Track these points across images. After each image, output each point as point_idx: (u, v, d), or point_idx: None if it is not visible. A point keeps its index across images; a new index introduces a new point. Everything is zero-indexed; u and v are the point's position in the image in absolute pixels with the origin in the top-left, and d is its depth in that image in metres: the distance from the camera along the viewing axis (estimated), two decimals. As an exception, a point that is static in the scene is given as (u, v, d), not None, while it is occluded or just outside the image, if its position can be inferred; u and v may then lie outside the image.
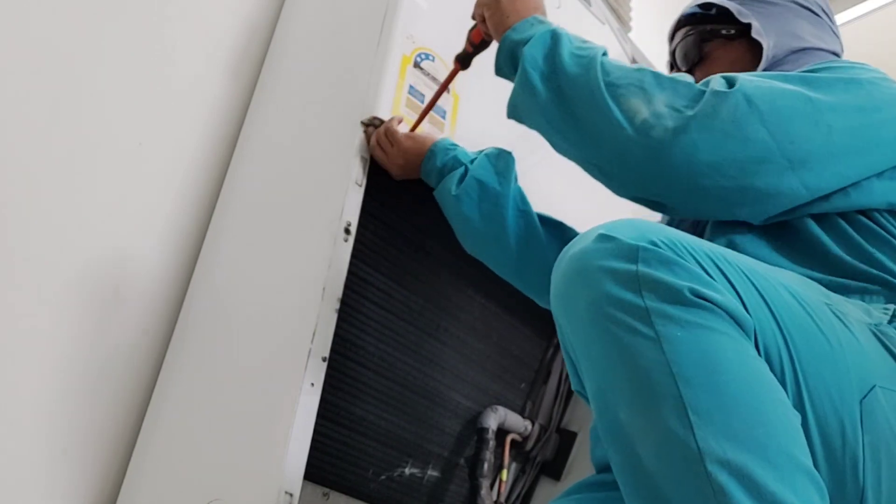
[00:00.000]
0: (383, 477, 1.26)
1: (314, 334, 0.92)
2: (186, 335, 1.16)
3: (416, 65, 1.14)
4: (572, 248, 0.69)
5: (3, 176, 1.07)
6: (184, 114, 1.30)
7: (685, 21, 1.10)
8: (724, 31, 1.04)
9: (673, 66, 1.12)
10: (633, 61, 1.90)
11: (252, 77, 1.39)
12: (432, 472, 1.34)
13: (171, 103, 1.28)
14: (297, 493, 0.85)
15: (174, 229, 1.25)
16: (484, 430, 1.40)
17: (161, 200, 1.24)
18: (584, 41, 0.92)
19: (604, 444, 0.65)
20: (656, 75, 0.82)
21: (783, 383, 0.61)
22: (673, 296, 0.60)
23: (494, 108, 1.28)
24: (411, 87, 1.12)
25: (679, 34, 1.10)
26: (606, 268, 0.63)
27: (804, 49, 0.99)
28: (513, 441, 1.46)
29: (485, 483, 1.38)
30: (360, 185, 1.04)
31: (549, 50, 0.90)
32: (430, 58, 1.17)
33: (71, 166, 1.14)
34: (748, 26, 1.02)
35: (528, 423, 1.48)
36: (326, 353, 0.93)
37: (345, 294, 0.98)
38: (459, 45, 1.24)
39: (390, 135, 1.06)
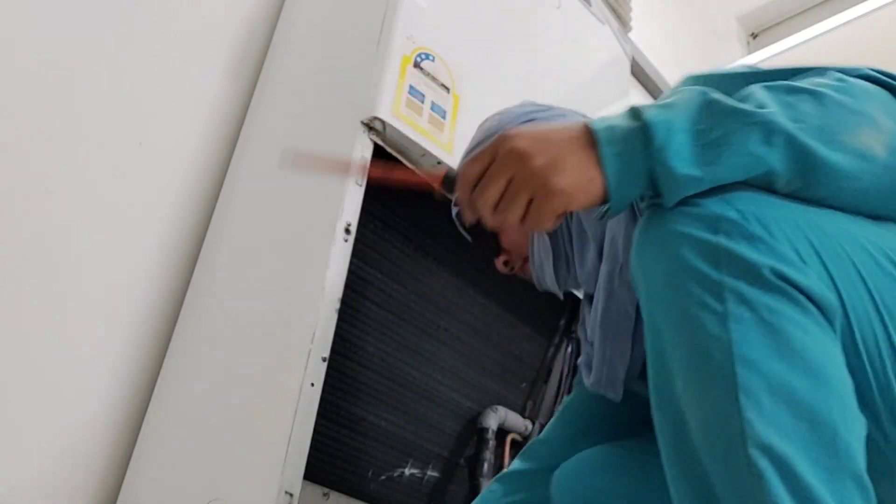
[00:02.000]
0: (383, 477, 1.26)
1: (314, 334, 0.92)
2: (186, 335, 1.16)
3: (416, 65, 1.14)
4: (659, 207, 0.62)
5: (2, 175, 1.07)
6: (184, 114, 1.30)
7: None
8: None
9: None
10: (633, 61, 1.90)
11: (252, 77, 1.39)
12: (432, 472, 1.34)
13: (171, 103, 1.28)
14: (297, 493, 0.85)
15: (174, 229, 1.25)
16: (484, 430, 1.40)
17: (161, 200, 1.24)
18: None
19: (653, 412, 0.62)
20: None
21: (884, 374, 0.57)
22: (751, 274, 0.57)
23: (494, 109, 1.28)
24: (411, 87, 1.12)
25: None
26: (686, 234, 0.59)
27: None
28: (513, 441, 1.46)
29: (485, 483, 1.37)
30: (360, 185, 1.04)
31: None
32: (430, 58, 1.17)
33: (71, 166, 1.14)
34: None
35: (528, 423, 1.48)
36: (326, 353, 0.93)
37: (345, 294, 0.98)
38: (459, 45, 1.24)
39: None
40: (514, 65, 1.36)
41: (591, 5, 1.64)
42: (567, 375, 1.52)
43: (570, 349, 1.54)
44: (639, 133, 0.61)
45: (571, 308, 1.56)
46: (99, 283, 1.15)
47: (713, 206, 0.59)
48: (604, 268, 0.83)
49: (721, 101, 0.62)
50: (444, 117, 1.16)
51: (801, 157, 0.61)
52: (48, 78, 1.14)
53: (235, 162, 1.31)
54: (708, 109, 0.62)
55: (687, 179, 0.60)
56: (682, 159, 0.60)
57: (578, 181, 0.62)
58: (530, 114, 0.95)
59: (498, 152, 0.65)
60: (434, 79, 1.17)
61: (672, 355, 0.60)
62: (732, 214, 0.58)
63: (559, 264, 0.91)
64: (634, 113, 0.63)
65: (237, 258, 1.17)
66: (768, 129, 0.60)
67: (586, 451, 0.88)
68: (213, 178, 1.31)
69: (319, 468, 1.18)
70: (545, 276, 0.93)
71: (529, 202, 0.63)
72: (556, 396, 1.52)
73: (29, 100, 1.11)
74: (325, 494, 1.20)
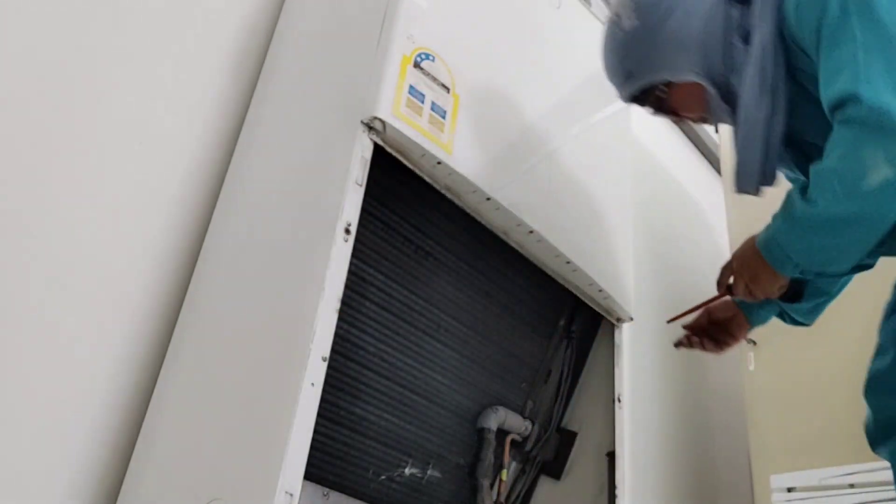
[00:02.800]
0: (383, 477, 1.26)
1: (314, 334, 0.92)
2: (186, 335, 1.16)
3: (416, 65, 1.14)
4: None
5: (2, 176, 1.07)
6: (184, 114, 1.30)
7: (634, 101, 1.20)
8: (659, 93, 1.15)
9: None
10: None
11: (252, 77, 1.39)
12: (432, 472, 1.34)
13: (171, 103, 1.28)
14: (297, 493, 0.85)
15: (174, 229, 1.25)
16: (484, 430, 1.40)
17: (161, 200, 1.24)
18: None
19: None
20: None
21: None
22: None
23: (494, 108, 1.28)
24: (411, 87, 1.12)
25: (640, 109, 1.22)
26: None
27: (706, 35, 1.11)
28: (513, 441, 1.46)
29: (485, 483, 1.38)
30: (360, 185, 1.04)
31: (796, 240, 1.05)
32: (430, 58, 1.17)
33: (71, 166, 1.14)
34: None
35: (528, 423, 1.48)
36: (326, 353, 0.93)
37: (345, 294, 0.98)
38: (459, 45, 1.24)
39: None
40: (514, 65, 1.36)
41: (591, 5, 1.64)
42: (567, 376, 1.52)
43: (569, 349, 1.54)
44: (768, 241, 1.07)
45: (571, 308, 1.56)
46: (98, 283, 1.15)
47: None
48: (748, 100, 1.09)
49: (799, 218, 1.01)
50: (444, 117, 1.16)
51: (858, 220, 0.96)
52: (47, 78, 1.14)
53: (235, 162, 1.31)
54: (790, 217, 1.03)
55: (799, 265, 1.05)
56: (790, 252, 1.04)
57: (768, 277, 1.10)
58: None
59: (732, 274, 1.17)
60: (434, 79, 1.17)
61: None
62: None
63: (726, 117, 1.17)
64: (766, 227, 1.08)
65: (237, 258, 1.17)
66: (833, 224, 0.98)
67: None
68: (213, 178, 1.31)
69: (319, 468, 1.18)
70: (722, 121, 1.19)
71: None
72: (556, 396, 1.52)
73: (28, 100, 1.11)
74: (325, 494, 1.20)
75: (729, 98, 1.12)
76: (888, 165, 0.90)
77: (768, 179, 1.13)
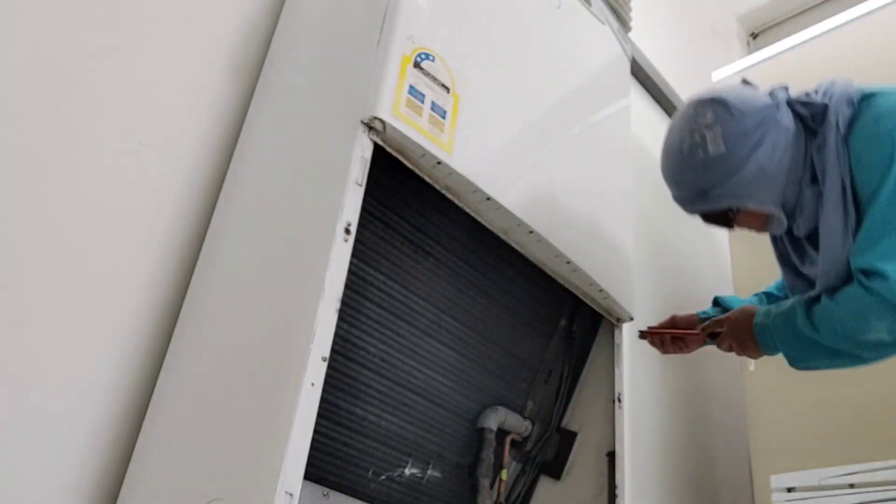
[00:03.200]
0: (383, 477, 1.26)
1: (314, 334, 0.92)
2: (187, 334, 1.17)
3: (416, 65, 1.14)
4: None
5: (2, 175, 1.07)
6: (184, 114, 1.30)
7: (698, 214, 1.29)
8: (730, 215, 1.24)
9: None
10: (633, 61, 1.90)
11: (252, 77, 1.39)
12: (432, 472, 1.34)
13: (171, 103, 1.28)
14: (297, 493, 0.85)
15: (174, 229, 1.25)
16: (484, 430, 1.40)
17: (161, 200, 1.24)
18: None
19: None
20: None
21: None
22: None
23: (494, 108, 1.28)
24: (411, 87, 1.12)
25: (700, 217, 1.31)
26: None
27: (784, 167, 1.19)
28: (513, 441, 1.46)
29: (485, 483, 1.38)
30: (360, 185, 1.04)
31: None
32: (430, 58, 1.17)
33: (70, 166, 1.14)
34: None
35: (528, 423, 1.48)
36: (326, 353, 0.93)
37: (345, 294, 0.98)
38: (459, 45, 1.24)
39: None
40: (514, 65, 1.36)
41: (591, 5, 1.64)
42: (567, 376, 1.52)
43: (569, 349, 1.54)
44: (764, 328, 1.25)
45: (571, 308, 1.56)
46: (98, 284, 1.15)
47: None
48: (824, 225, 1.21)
49: (797, 329, 1.18)
50: (444, 117, 1.16)
51: (845, 356, 1.16)
52: (48, 78, 1.14)
53: (235, 162, 1.31)
54: (791, 325, 1.20)
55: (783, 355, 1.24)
56: (779, 347, 1.24)
57: (754, 349, 1.27)
58: (755, 130, 1.19)
59: (724, 338, 1.32)
60: (434, 79, 1.17)
61: None
62: None
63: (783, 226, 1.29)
64: (766, 314, 1.25)
65: (237, 258, 1.17)
66: (823, 348, 1.17)
67: None
68: (214, 178, 1.31)
69: (319, 468, 1.18)
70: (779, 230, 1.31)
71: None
72: (556, 396, 1.52)
73: (28, 100, 1.11)
74: (325, 494, 1.20)
75: (790, 219, 1.24)
76: (888, 333, 1.09)
77: None
